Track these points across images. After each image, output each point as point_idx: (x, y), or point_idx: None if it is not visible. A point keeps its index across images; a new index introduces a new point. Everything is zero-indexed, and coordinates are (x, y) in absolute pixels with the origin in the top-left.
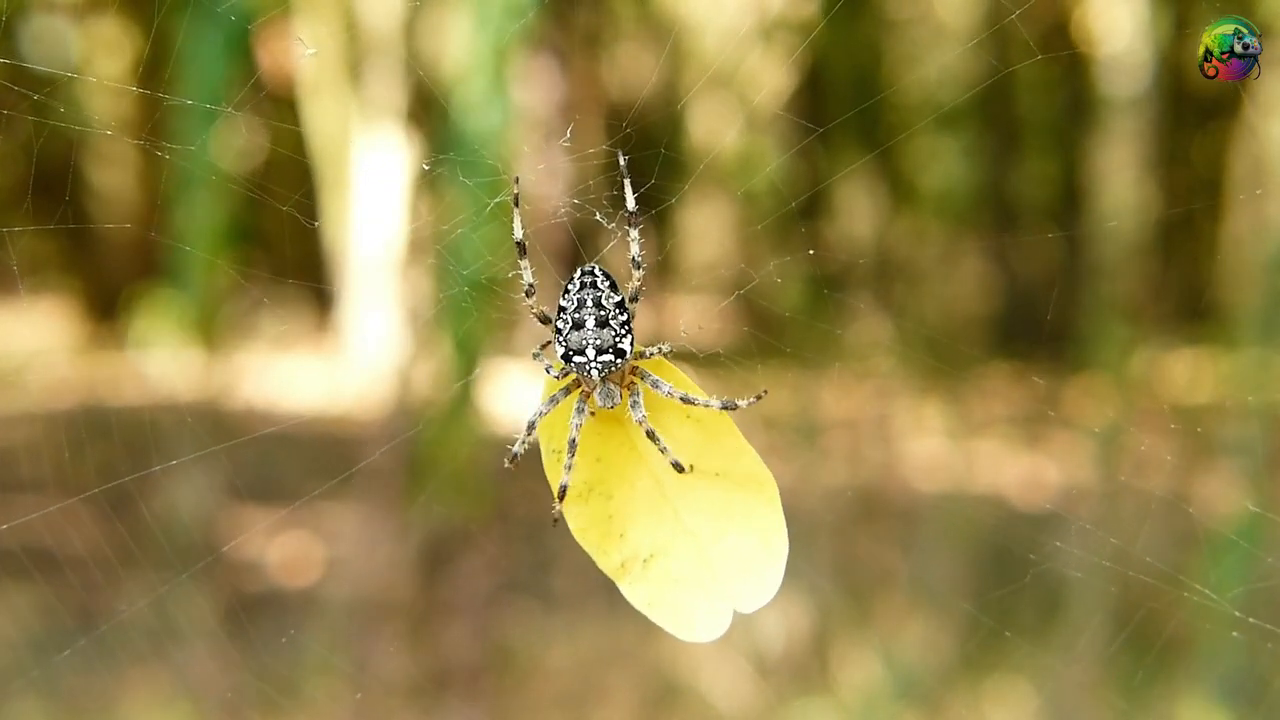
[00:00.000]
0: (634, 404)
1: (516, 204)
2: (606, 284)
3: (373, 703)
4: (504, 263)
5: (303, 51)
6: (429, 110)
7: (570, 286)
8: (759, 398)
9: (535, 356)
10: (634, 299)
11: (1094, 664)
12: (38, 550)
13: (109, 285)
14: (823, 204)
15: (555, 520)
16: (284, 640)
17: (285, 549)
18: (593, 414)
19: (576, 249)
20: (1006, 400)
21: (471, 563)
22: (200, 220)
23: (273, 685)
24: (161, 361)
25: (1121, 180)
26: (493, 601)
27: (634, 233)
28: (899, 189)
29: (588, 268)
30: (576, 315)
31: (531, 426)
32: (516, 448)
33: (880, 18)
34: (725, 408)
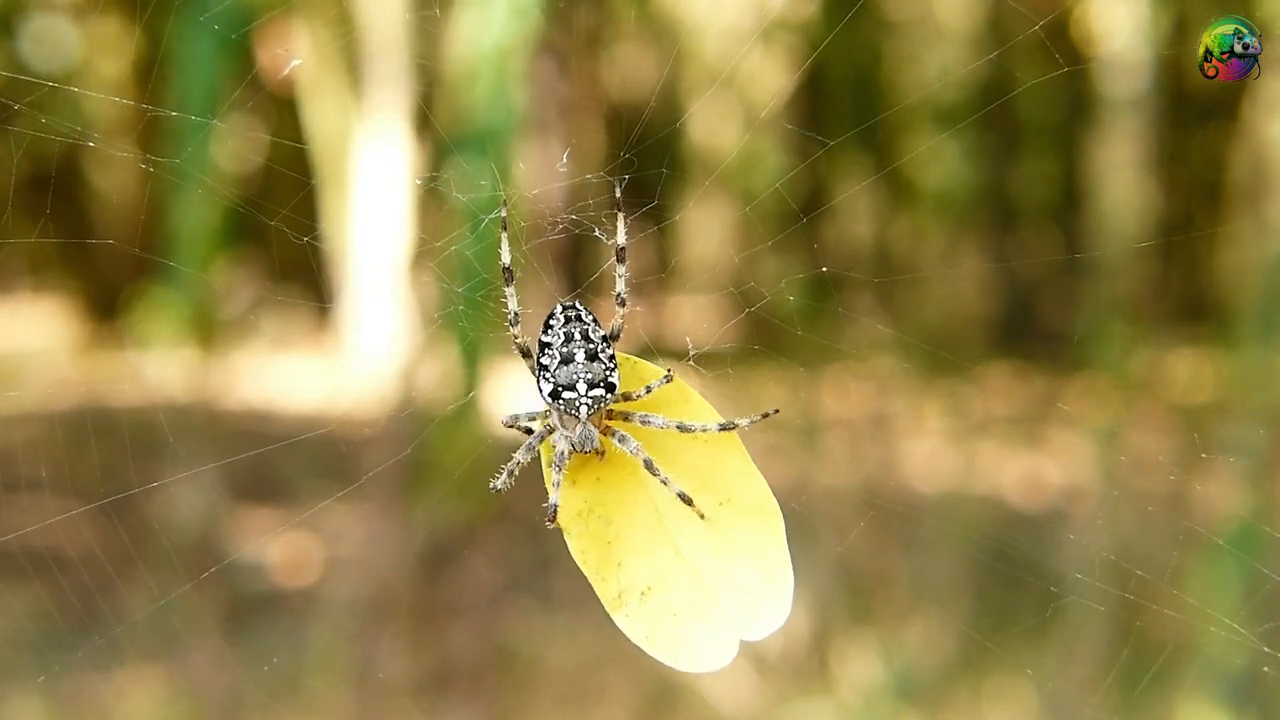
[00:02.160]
0: (622, 438)
1: (504, 228)
2: (590, 317)
3: (375, 702)
4: (499, 280)
5: (290, 61)
6: (432, 111)
7: (552, 322)
8: (765, 416)
9: (508, 424)
10: (615, 336)
11: (1094, 667)
12: (38, 551)
13: (109, 285)
14: (824, 203)
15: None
16: (266, 667)
17: (286, 549)
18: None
19: (574, 263)
20: (1007, 400)
21: (474, 563)
22: (196, 222)
23: (274, 686)
24: (161, 362)
25: (1121, 180)
26: (495, 601)
27: (621, 269)
28: (899, 189)
29: (568, 303)
30: (565, 350)
31: (511, 473)
32: (500, 483)
33: (881, 18)
34: (724, 428)
